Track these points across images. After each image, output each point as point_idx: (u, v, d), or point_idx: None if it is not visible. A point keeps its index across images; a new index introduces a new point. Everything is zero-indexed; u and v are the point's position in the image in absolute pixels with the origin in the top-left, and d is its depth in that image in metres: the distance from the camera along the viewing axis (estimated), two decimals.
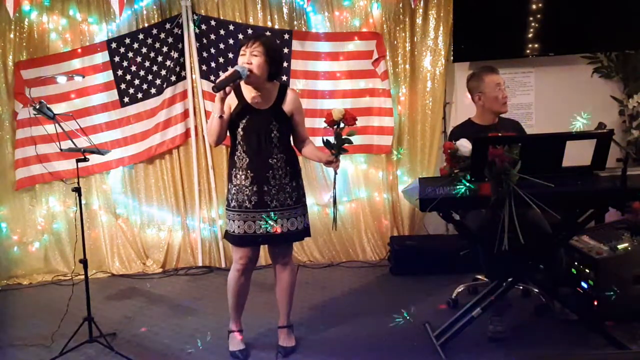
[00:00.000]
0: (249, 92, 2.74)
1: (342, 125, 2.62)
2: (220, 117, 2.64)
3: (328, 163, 2.73)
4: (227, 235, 2.87)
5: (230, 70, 2.59)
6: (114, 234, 4.54)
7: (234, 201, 2.78)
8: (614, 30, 4.03)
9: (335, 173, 2.75)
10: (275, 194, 2.76)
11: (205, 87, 4.38)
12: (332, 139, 2.68)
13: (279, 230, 2.76)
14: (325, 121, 2.66)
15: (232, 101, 2.71)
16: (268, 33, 4.24)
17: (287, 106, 2.78)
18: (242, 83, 2.69)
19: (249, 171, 2.74)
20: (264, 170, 2.73)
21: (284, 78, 4.29)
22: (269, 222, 2.73)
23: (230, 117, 2.71)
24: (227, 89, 2.57)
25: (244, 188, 2.75)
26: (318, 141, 4.27)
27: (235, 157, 2.77)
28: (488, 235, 2.50)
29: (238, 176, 2.76)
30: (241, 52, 2.68)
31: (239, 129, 2.73)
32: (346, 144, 2.65)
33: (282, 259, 2.94)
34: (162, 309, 3.68)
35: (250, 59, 2.64)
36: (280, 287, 3.00)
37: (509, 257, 2.63)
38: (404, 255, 4.09)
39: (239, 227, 2.77)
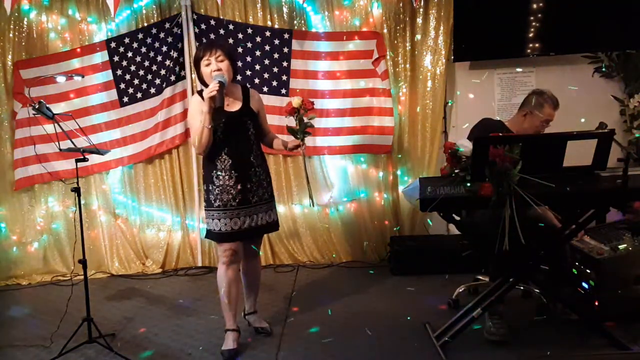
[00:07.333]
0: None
1: (301, 112, 2.84)
2: (210, 127, 2.74)
3: (295, 148, 2.90)
4: (211, 234, 2.92)
5: (214, 84, 2.70)
6: (113, 234, 4.54)
7: (218, 201, 2.85)
8: (615, 29, 4.02)
9: (304, 156, 2.98)
10: (256, 190, 2.91)
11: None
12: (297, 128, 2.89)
13: (259, 223, 2.93)
14: (285, 110, 2.89)
15: (205, 108, 2.76)
16: (268, 33, 4.24)
17: (254, 104, 2.94)
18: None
19: (233, 171, 2.84)
20: (247, 169, 2.87)
21: (284, 78, 4.28)
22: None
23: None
24: (217, 101, 2.71)
25: (228, 188, 2.84)
26: (319, 141, 4.33)
27: (217, 160, 2.84)
28: (496, 234, 2.48)
29: (221, 177, 2.84)
30: (205, 63, 2.81)
31: (219, 133, 2.81)
32: (308, 127, 2.87)
33: (255, 250, 3.08)
34: (162, 309, 3.68)
35: (217, 65, 2.79)
36: (253, 276, 3.15)
37: (515, 256, 2.62)
38: (404, 255, 4.09)
39: (225, 224, 2.85)
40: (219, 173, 2.83)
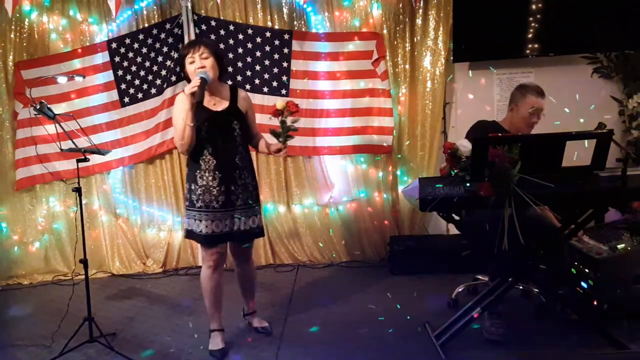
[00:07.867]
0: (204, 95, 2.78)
1: (285, 114, 2.82)
2: (192, 125, 2.70)
3: (277, 151, 2.88)
4: (193, 235, 2.88)
5: (196, 80, 2.66)
6: (114, 234, 4.55)
7: (200, 201, 2.81)
8: (614, 30, 4.03)
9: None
10: (241, 193, 2.86)
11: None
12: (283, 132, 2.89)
13: (242, 228, 2.88)
14: (271, 112, 2.85)
15: (186, 105, 2.73)
16: (268, 33, 4.25)
17: (241, 104, 2.89)
18: None
19: (216, 172, 2.79)
20: (232, 170, 2.82)
21: (284, 78, 4.29)
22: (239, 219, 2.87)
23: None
24: (197, 95, 2.65)
25: (211, 188, 2.80)
26: (319, 141, 4.34)
27: (200, 160, 2.79)
28: (495, 234, 2.49)
29: (204, 177, 2.80)
30: (189, 60, 2.76)
31: (203, 132, 2.77)
32: (291, 131, 2.86)
33: (245, 255, 3.07)
34: (162, 309, 3.69)
35: (202, 62, 2.74)
36: (247, 280, 3.16)
37: (515, 256, 2.62)
38: (404, 255, 4.10)
39: (206, 226, 2.81)
40: (202, 173, 2.79)
